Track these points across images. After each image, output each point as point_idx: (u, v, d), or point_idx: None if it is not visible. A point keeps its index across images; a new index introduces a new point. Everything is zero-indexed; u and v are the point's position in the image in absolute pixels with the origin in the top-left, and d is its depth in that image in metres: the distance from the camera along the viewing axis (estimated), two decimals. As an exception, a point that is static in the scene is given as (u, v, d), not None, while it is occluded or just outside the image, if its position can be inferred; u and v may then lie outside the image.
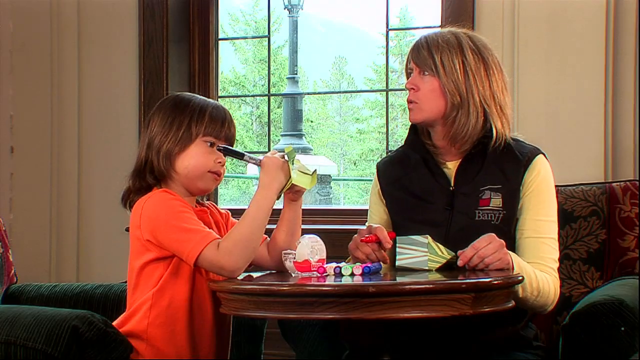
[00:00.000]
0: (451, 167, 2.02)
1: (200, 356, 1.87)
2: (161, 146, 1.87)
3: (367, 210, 2.16)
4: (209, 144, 1.88)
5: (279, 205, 1.92)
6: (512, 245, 1.93)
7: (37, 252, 3.40)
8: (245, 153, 1.92)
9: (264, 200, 1.81)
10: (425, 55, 1.96)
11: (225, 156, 1.90)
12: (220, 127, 1.89)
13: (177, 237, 1.79)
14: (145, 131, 1.93)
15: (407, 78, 2.04)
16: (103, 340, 1.77)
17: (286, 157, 1.86)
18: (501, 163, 1.98)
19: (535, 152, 2.01)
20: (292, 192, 1.90)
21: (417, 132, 2.05)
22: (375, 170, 2.15)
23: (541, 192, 1.98)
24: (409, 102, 1.99)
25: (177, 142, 1.87)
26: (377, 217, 2.09)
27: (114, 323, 1.87)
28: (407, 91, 2.05)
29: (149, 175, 1.88)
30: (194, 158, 1.87)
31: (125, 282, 2.37)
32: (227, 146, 1.90)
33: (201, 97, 1.95)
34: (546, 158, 2.02)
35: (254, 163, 1.88)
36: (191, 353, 1.86)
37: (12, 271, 2.45)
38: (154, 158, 1.87)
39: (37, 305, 2.21)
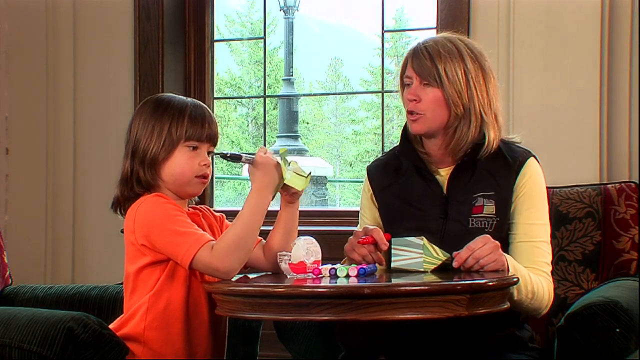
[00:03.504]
0: (443, 174, 2.02)
1: (197, 358, 1.87)
2: (145, 155, 1.86)
3: (363, 211, 2.16)
4: (191, 148, 1.87)
5: (275, 206, 1.92)
6: (505, 249, 1.93)
7: (32, 253, 3.39)
8: (242, 155, 1.90)
9: (259, 203, 1.81)
10: (428, 65, 1.94)
11: (224, 159, 1.89)
12: (200, 128, 1.87)
13: (171, 240, 1.79)
14: (127, 137, 1.91)
15: (403, 86, 2.02)
16: (98, 342, 1.76)
17: (279, 159, 1.85)
18: (493, 169, 1.98)
19: (526, 155, 2.01)
20: (289, 195, 1.89)
21: (409, 139, 2.05)
22: (365, 174, 2.14)
23: (533, 196, 1.98)
24: (410, 113, 1.98)
25: (160, 150, 1.85)
26: (371, 221, 2.08)
27: (111, 326, 1.87)
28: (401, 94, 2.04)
29: (136, 186, 1.87)
30: (179, 166, 1.86)
31: (121, 283, 2.37)
32: (223, 152, 1.89)
33: (180, 97, 1.93)
34: (537, 160, 2.02)
35: (249, 162, 1.86)
36: (188, 355, 1.86)
37: (7, 273, 2.44)
38: (139, 168, 1.86)
39: (32, 307, 2.21)
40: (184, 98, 1.93)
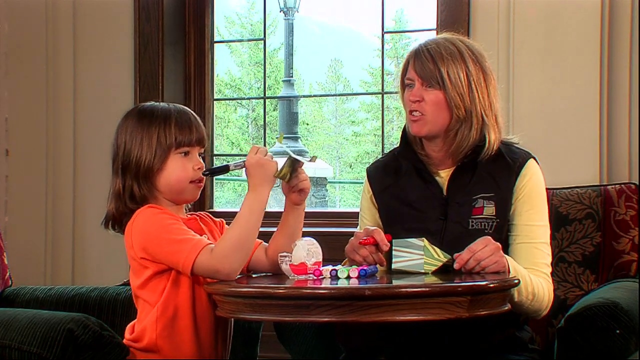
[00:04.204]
0: (443, 175, 2.02)
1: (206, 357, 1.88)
2: (138, 168, 1.85)
3: (363, 213, 2.15)
4: (183, 154, 1.87)
5: (281, 208, 1.91)
6: (505, 251, 1.93)
7: (32, 255, 3.39)
8: (229, 164, 1.88)
9: (255, 202, 1.80)
10: (430, 68, 1.94)
11: (213, 176, 1.88)
12: (189, 133, 1.87)
13: (169, 249, 1.79)
14: (114, 152, 1.89)
15: (403, 87, 2.01)
16: (98, 344, 1.77)
17: (279, 157, 1.85)
18: (493, 170, 1.98)
19: (526, 157, 2.01)
20: (296, 192, 1.88)
21: (409, 141, 2.04)
22: (365, 175, 2.14)
23: (533, 197, 1.98)
24: (412, 113, 1.97)
25: (153, 160, 1.85)
26: (371, 222, 2.08)
27: (128, 338, 1.88)
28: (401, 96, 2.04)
29: (129, 201, 1.86)
30: (174, 174, 1.86)
31: (121, 284, 2.38)
32: (210, 168, 1.88)
33: (162, 104, 1.91)
34: (537, 162, 2.02)
35: (240, 167, 1.86)
36: (199, 357, 1.86)
37: (7, 274, 2.44)
38: (133, 183, 1.85)
39: (32, 308, 2.21)
40: (166, 105, 1.91)
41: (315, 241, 1.83)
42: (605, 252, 2.32)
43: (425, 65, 1.94)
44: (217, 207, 3.49)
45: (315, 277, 1.78)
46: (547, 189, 2.05)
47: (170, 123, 1.86)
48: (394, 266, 1.88)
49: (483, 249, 1.82)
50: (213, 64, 3.46)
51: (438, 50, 1.94)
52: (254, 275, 1.93)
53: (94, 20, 3.38)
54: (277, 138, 1.89)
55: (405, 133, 2.04)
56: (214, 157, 3.52)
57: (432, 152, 2.01)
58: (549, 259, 1.98)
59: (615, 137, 2.78)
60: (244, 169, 1.83)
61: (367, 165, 2.16)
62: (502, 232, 1.96)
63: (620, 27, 2.77)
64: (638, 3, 2.76)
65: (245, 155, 1.86)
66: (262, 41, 3.76)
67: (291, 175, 1.85)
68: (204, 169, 1.89)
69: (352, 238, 1.92)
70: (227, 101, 15.61)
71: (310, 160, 1.88)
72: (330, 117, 15.36)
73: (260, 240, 1.93)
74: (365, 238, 1.88)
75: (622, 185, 2.38)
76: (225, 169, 1.88)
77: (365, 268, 1.81)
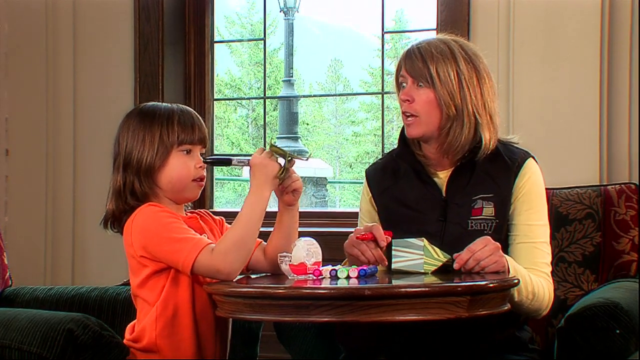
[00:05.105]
0: (442, 177, 2.02)
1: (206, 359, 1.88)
2: (140, 165, 1.85)
3: (363, 213, 2.15)
4: (185, 152, 1.87)
5: (275, 208, 1.91)
6: (505, 251, 1.93)
7: (32, 255, 3.39)
8: (232, 158, 1.90)
9: (257, 202, 1.80)
10: (420, 66, 1.94)
11: (214, 165, 1.88)
12: (191, 132, 1.87)
13: (169, 248, 1.79)
14: (115, 151, 1.90)
15: (398, 87, 2.02)
16: (98, 344, 1.77)
17: (267, 149, 1.85)
18: (491, 171, 1.98)
19: (525, 156, 2.01)
20: (289, 193, 1.88)
21: (407, 142, 2.04)
22: (364, 177, 2.14)
23: (532, 197, 1.98)
24: (405, 114, 1.97)
25: (155, 157, 1.85)
26: (371, 223, 2.08)
27: (128, 338, 1.88)
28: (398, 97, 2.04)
29: (130, 198, 1.86)
30: (175, 171, 1.86)
31: (121, 284, 2.38)
32: (213, 157, 1.89)
33: (164, 104, 1.92)
34: (536, 161, 2.02)
35: (243, 165, 1.86)
36: (199, 357, 1.86)
37: (7, 274, 2.44)
38: (134, 179, 1.86)
39: (32, 308, 2.21)
40: (168, 105, 1.93)
41: (315, 241, 1.83)
42: (605, 252, 2.32)
43: (415, 64, 1.95)
44: (217, 207, 3.49)
45: (314, 277, 1.78)
46: (547, 189, 2.05)
47: (173, 121, 1.87)
48: (393, 266, 1.88)
49: (482, 248, 1.82)
50: (213, 64, 3.46)
51: (428, 49, 1.95)
52: (253, 276, 1.93)
53: (94, 20, 3.38)
54: (270, 147, 1.87)
55: (403, 134, 2.05)
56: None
57: (429, 153, 2.02)
58: (549, 259, 1.98)
59: (615, 137, 2.78)
60: (245, 167, 1.83)
61: (367, 166, 2.16)
62: (502, 232, 1.96)
63: (620, 27, 2.77)
64: (638, 3, 2.76)
65: (246, 155, 1.87)
66: (262, 41, 3.76)
67: (285, 175, 1.85)
68: (208, 159, 1.89)
69: (351, 234, 1.92)
70: (227, 101, 15.64)
71: (306, 159, 1.88)
72: (330, 117, 15.36)
73: (260, 240, 1.93)
74: (363, 233, 1.88)
75: (622, 185, 2.38)
76: (227, 162, 1.88)
77: (365, 268, 1.81)
